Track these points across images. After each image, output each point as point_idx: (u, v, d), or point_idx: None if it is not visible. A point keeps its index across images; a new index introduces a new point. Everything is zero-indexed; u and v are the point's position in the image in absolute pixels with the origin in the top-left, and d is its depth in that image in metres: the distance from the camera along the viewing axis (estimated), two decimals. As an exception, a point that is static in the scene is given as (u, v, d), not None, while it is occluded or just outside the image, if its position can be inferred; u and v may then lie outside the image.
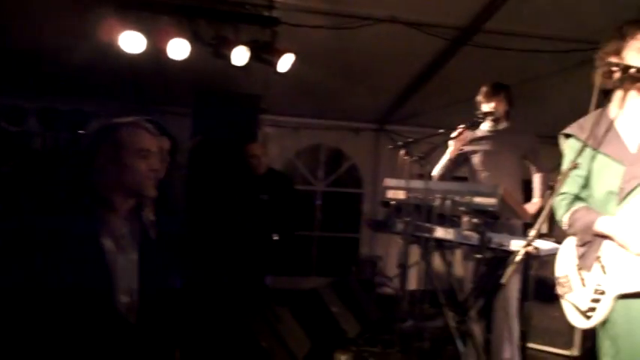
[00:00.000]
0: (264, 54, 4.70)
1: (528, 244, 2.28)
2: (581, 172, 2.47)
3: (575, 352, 4.76)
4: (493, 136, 4.13)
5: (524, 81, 5.10)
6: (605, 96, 2.42)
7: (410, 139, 3.48)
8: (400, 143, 3.44)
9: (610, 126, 2.43)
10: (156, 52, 4.46)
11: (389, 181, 3.68)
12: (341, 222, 7.67)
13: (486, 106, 4.09)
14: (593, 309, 2.37)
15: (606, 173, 2.40)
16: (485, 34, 4.70)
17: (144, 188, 2.08)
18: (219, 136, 5.54)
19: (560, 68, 4.96)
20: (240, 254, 4.77)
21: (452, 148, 4.14)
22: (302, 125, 7.19)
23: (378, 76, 5.79)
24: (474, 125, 4.11)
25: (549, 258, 4.67)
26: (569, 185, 2.51)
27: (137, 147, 2.06)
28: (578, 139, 2.47)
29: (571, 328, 4.75)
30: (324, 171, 7.65)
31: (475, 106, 4.17)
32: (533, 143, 4.18)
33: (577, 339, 4.75)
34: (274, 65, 4.75)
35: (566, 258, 2.54)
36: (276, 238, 4.92)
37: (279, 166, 6.44)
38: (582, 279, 2.43)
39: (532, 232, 2.28)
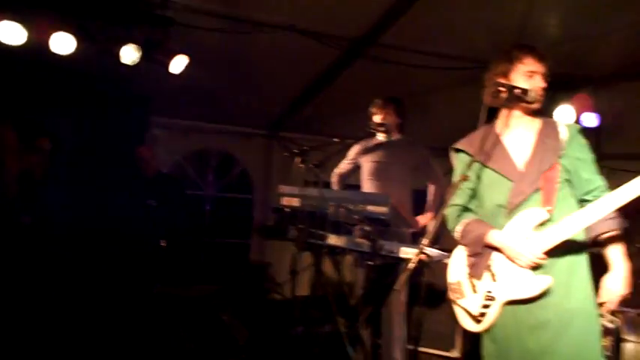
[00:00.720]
0: (156, 54, 4.54)
1: (421, 252, 2.37)
2: (470, 184, 2.61)
3: (456, 353, 4.97)
4: (385, 147, 4.25)
5: (415, 94, 5.30)
6: (493, 113, 2.56)
7: (305, 147, 3.49)
8: (296, 151, 3.44)
9: (497, 142, 2.58)
10: (38, 46, 4.18)
11: (283, 188, 3.68)
12: (231, 228, 7.56)
13: (377, 118, 4.20)
14: (483, 314, 2.52)
15: (495, 188, 2.55)
16: (380, 48, 4.83)
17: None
18: (105, 138, 5.29)
19: (449, 84, 5.20)
20: (126, 261, 4.57)
21: (348, 158, 4.23)
22: (192, 128, 7.00)
23: (273, 83, 5.78)
24: (368, 136, 4.21)
25: (435, 265, 4.89)
26: (459, 197, 2.64)
27: None
28: (467, 153, 2.61)
29: (454, 331, 4.97)
30: (214, 176, 7.50)
31: (368, 117, 4.27)
32: (425, 155, 4.32)
33: (458, 341, 4.96)
34: (166, 66, 4.60)
35: (457, 265, 2.66)
36: (163, 244, 4.77)
37: (168, 169, 6.24)
38: (473, 286, 2.56)
39: (425, 240, 2.38)
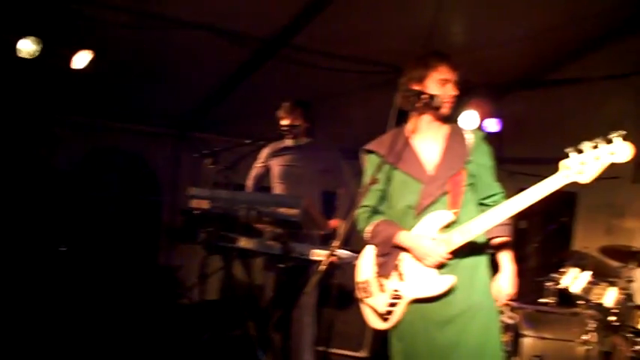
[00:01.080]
0: (58, 48, 4.31)
1: (332, 254, 2.38)
2: (380, 186, 2.67)
3: (365, 353, 5.05)
4: (293, 151, 4.23)
5: (328, 97, 5.34)
6: (404, 117, 2.62)
7: (216, 149, 3.43)
8: (206, 152, 3.37)
9: (407, 145, 2.65)
10: None
11: (193, 190, 3.59)
12: (138, 231, 7.29)
13: (285, 122, 4.17)
14: (390, 312, 2.58)
15: (405, 189, 2.62)
16: (292, 49, 4.82)
17: None
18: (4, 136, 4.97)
19: (361, 87, 5.27)
20: (24, 266, 4.32)
21: (259, 161, 4.19)
22: (97, 127, 6.70)
23: (183, 82, 5.63)
24: (278, 138, 4.18)
25: (346, 266, 4.93)
26: (370, 199, 2.70)
27: None
28: (378, 155, 2.66)
29: (363, 331, 5.05)
30: (120, 177, 7.22)
31: (276, 120, 4.23)
32: (336, 158, 4.33)
33: (367, 341, 5.04)
34: (69, 61, 4.38)
35: (366, 265, 2.71)
36: (64, 249, 4.55)
37: (70, 169, 5.94)
38: (381, 285, 2.62)
39: (335, 242, 2.40)
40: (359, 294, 2.70)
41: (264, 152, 4.32)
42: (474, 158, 2.62)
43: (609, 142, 2.17)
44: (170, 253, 7.10)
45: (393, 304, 2.58)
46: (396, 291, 2.57)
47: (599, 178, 5.56)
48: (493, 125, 6.44)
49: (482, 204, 2.64)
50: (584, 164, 2.20)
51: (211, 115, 6.49)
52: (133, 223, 7.15)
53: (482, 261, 2.62)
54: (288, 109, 4.17)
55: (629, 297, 4.25)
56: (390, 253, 2.59)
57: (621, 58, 5.78)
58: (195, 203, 3.53)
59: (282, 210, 3.33)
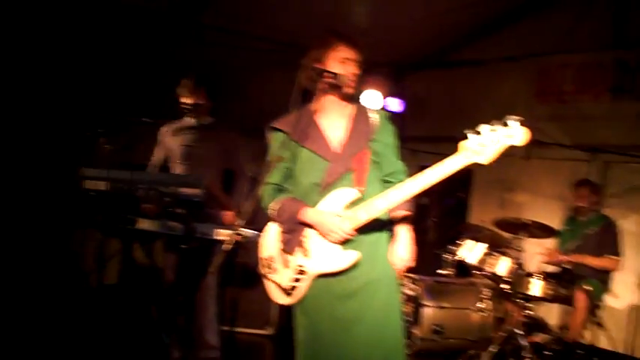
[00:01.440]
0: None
1: (237, 233, 2.36)
2: (285, 164, 2.66)
3: (270, 330, 5.08)
4: (195, 130, 4.06)
5: (230, 75, 5.22)
6: (308, 95, 2.62)
7: (111, 126, 3.25)
8: (100, 131, 3.20)
9: (313, 124, 2.66)
10: None
11: (87, 171, 3.41)
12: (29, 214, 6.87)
13: (187, 100, 3.96)
14: (294, 287, 2.61)
15: (311, 167, 2.63)
16: (196, 27, 4.67)
17: None
18: None
19: (264, 65, 5.20)
20: None
21: (158, 144, 4.03)
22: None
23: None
24: (177, 117, 4.02)
25: (250, 245, 4.90)
26: (274, 176, 2.68)
27: None
28: (283, 133, 2.64)
29: (268, 309, 5.07)
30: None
31: (177, 98, 4.02)
32: (235, 140, 4.19)
33: (273, 319, 5.07)
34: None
35: (270, 241, 2.71)
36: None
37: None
38: (286, 261, 2.63)
39: (239, 221, 2.37)
40: (262, 270, 2.70)
41: (162, 133, 4.14)
42: (379, 137, 2.67)
43: (506, 125, 2.24)
44: (67, 237, 6.77)
45: (297, 280, 2.60)
46: (300, 266, 2.59)
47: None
48: (395, 105, 6.59)
49: (385, 181, 2.69)
50: (483, 146, 2.26)
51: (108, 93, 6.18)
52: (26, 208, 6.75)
53: (383, 237, 2.68)
54: (191, 88, 3.99)
55: (520, 266, 4.51)
56: (295, 229, 2.60)
57: (515, 41, 6.09)
58: (90, 185, 3.37)
59: (184, 190, 3.24)
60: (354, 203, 2.55)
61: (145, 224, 3.38)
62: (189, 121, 4.06)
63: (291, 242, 2.62)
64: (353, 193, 2.56)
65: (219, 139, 4.05)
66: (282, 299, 2.67)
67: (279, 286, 2.66)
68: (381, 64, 6.33)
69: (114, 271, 3.86)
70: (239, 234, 2.47)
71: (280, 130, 2.67)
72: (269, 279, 2.69)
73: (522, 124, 2.23)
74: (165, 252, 3.95)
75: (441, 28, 5.78)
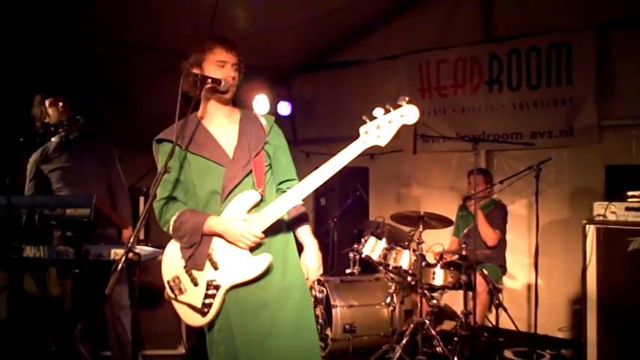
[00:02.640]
0: None
1: (129, 251, 2.23)
2: (174, 175, 2.55)
3: (181, 350, 4.90)
4: (66, 149, 3.86)
5: (114, 86, 5.02)
6: (189, 103, 2.54)
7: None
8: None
9: (202, 130, 2.59)
10: None
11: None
12: None
13: (52, 117, 3.73)
14: (209, 304, 2.49)
15: (207, 174, 2.55)
16: (71, 35, 4.43)
17: None
18: None
19: (148, 75, 5.03)
20: None
21: (29, 176, 3.78)
22: None
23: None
24: (41, 140, 3.76)
25: (149, 262, 4.72)
26: (165, 190, 2.56)
27: None
28: (170, 143, 2.52)
29: (177, 328, 4.89)
30: None
31: (37, 119, 3.78)
32: (110, 150, 4.04)
33: (184, 337, 4.90)
34: None
35: (171, 262, 2.58)
36: None
37: None
38: (194, 278, 2.51)
39: (131, 239, 2.25)
40: (170, 293, 2.55)
41: (31, 163, 3.88)
42: (270, 140, 2.66)
43: (398, 106, 2.36)
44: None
45: (210, 296, 2.49)
46: (212, 281, 2.49)
47: (386, 152, 5.96)
48: (284, 108, 6.63)
49: (279, 189, 2.67)
50: (380, 128, 2.36)
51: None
52: None
53: (291, 240, 2.66)
54: (52, 103, 3.75)
55: (422, 257, 4.62)
56: (199, 242, 2.50)
57: (394, 39, 6.30)
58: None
59: (71, 211, 3.05)
60: (256, 206, 2.51)
61: (31, 252, 3.15)
62: (55, 140, 3.80)
63: (197, 257, 2.51)
64: (255, 195, 2.52)
65: (95, 152, 3.86)
66: (196, 320, 2.54)
67: (192, 307, 2.52)
68: (267, 68, 6.34)
69: (3, 305, 3.58)
70: (133, 252, 2.34)
71: (167, 141, 2.57)
72: (179, 301, 2.54)
73: (410, 102, 2.35)
74: (61, 279, 3.72)
75: (322, 30, 5.88)
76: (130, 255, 2.26)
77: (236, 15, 5.05)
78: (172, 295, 2.55)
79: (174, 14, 4.63)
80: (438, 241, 5.12)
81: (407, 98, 2.36)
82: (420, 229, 4.71)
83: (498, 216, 5.16)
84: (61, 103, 3.76)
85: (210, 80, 2.50)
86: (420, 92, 6.12)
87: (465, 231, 4.89)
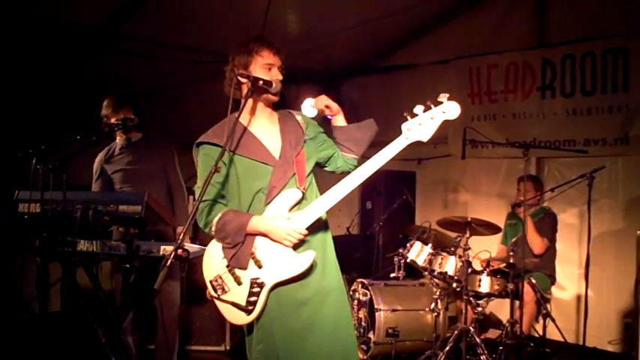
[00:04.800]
0: None
1: (179, 248, 2.29)
2: (220, 178, 2.58)
3: (226, 346, 5.00)
4: (128, 149, 3.98)
5: (163, 89, 5.14)
6: (243, 104, 2.60)
7: (42, 147, 3.11)
8: (30, 151, 3.05)
9: (246, 133, 2.63)
10: None
11: (21, 194, 3.28)
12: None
13: (114, 119, 3.82)
14: (254, 302, 2.52)
15: (253, 175, 2.59)
16: (121, 39, 4.57)
17: None
18: None
19: (197, 77, 5.13)
20: None
21: (95, 174, 3.93)
22: None
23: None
24: (108, 140, 3.89)
25: (197, 260, 4.82)
26: (210, 191, 2.58)
27: None
28: (215, 146, 2.58)
29: (222, 325, 4.99)
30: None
31: (103, 120, 3.89)
32: (170, 151, 4.14)
33: (227, 334, 4.99)
34: None
35: (213, 262, 2.62)
36: None
37: None
38: (237, 277, 2.55)
39: (180, 237, 2.31)
40: (213, 293, 2.58)
41: (97, 162, 4.03)
42: (308, 134, 2.71)
43: (439, 103, 2.43)
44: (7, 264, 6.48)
45: (255, 294, 2.51)
46: (256, 279, 2.52)
47: (434, 157, 5.91)
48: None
49: (322, 165, 2.79)
50: (422, 125, 2.44)
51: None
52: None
53: (329, 238, 2.69)
54: (115, 106, 3.86)
55: (468, 263, 4.57)
56: (242, 242, 2.53)
57: (445, 43, 6.23)
58: (23, 208, 3.23)
59: (124, 207, 3.15)
60: (297, 204, 2.55)
61: (85, 246, 3.26)
62: (120, 141, 3.95)
63: (241, 256, 2.54)
64: (296, 194, 2.55)
65: (155, 153, 3.97)
66: (241, 319, 2.57)
67: (236, 305, 2.53)
68: (316, 72, 6.37)
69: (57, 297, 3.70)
70: (182, 249, 2.40)
71: (210, 144, 2.62)
72: (223, 300, 2.56)
73: (450, 99, 2.43)
74: (114, 273, 3.84)
75: (373, 34, 5.88)
76: (179, 251, 2.32)
77: (287, 18, 5.10)
78: (215, 295, 2.58)
79: (224, 18, 4.71)
80: (486, 248, 5.04)
81: (447, 95, 2.43)
82: (467, 235, 4.66)
83: (547, 224, 5.05)
84: (123, 107, 3.87)
85: (261, 82, 2.55)
86: (470, 97, 6.04)
87: (514, 239, 4.81)
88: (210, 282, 2.60)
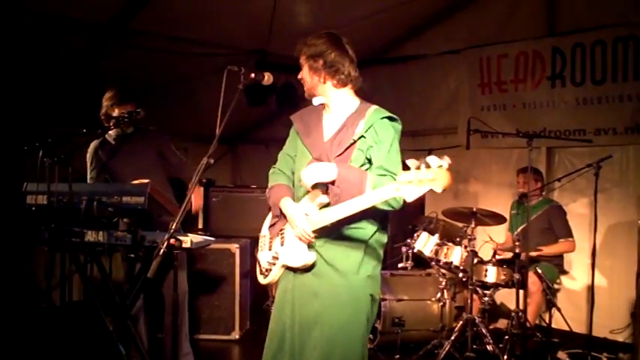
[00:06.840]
0: None
1: (171, 237, 2.38)
2: (292, 151, 2.80)
3: (235, 335, 5.09)
4: (123, 143, 3.98)
5: (175, 82, 5.21)
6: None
7: (49, 139, 3.20)
8: (37, 144, 3.15)
9: (318, 119, 2.74)
10: None
11: (29, 186, 3.38)
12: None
13: (122, 110, 3.81)
14: (268, 270, 2.77)
15: (303, 160, 2.69)
16: (131, 34, 4.66)
17: None
18: None
19: (206, 71, 5.18)
20: None
21: (89, 165, 3.98)
22: None
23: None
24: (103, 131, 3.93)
25: (206, 250, 4.89)
26: (280, 162, 2.85)
27: None
28: (294, 124, 2.80)
29: (231, 314, 5.08)
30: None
31: (104, 112, 3.87)
32: (163, 137, 4.13)
33: (237, 323, 5.09)
34: None
35: (267, 222, 2.87)
36: None
37: None
38: (270, 243, 2.79)
39: (173, 225, 2.40)
40: (258, 245, 2.89)
41: (90, 154, 4.01)
42: (366, 137, 2.57)
43: (429, 167, 2.14)
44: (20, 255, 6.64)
45: (271, 263, 2.75)
46: (276, 253, 2.72)
47: (444, 147, 5.89)
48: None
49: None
50: (409, 183, 2.16)
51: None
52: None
53: (358, 239, 2.60)
54: (122, 97, 3.86)
55: (473, 253, 4.58)
56: (280, 216, 2.72)
57: (455, 33, 6.21)
58: (31, 199, 3.33)
59: (127, 198, 3.24)
60: (326, 206, 2.54)
61: (92, 236, 3.36)
62: (114, 134, 3.95)
63: (275, 227, 2.75)
64: (323, 199, 2.55)
65: (151, 143, 4.00)
66: (260, 278, 2.85)
67: (259, 265, 2.83)
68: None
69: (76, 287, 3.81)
70: (175, 238, 2.48)
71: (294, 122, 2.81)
72: (256, 257, 2.88)
73: (448, 169, 2.13)
74: (123, 262, 3.92)
75: (382, 24, 5.87)
76: (172, 240, 2.41)
77: (296, 11, 5.13)
78: (257, 249, 2.90)
79: (233, 11, 4.76)
80: (494, 237, 5.05)
81: (445, 161, 2.14)
82: (473, 225, 4.68)
83: (560, 223, 5.03)
84: (130, 97, 3.90)
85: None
86: (480, 87, 6.02)
87: (519, 229, 4.82)
88: (258, 237, 2.89)
